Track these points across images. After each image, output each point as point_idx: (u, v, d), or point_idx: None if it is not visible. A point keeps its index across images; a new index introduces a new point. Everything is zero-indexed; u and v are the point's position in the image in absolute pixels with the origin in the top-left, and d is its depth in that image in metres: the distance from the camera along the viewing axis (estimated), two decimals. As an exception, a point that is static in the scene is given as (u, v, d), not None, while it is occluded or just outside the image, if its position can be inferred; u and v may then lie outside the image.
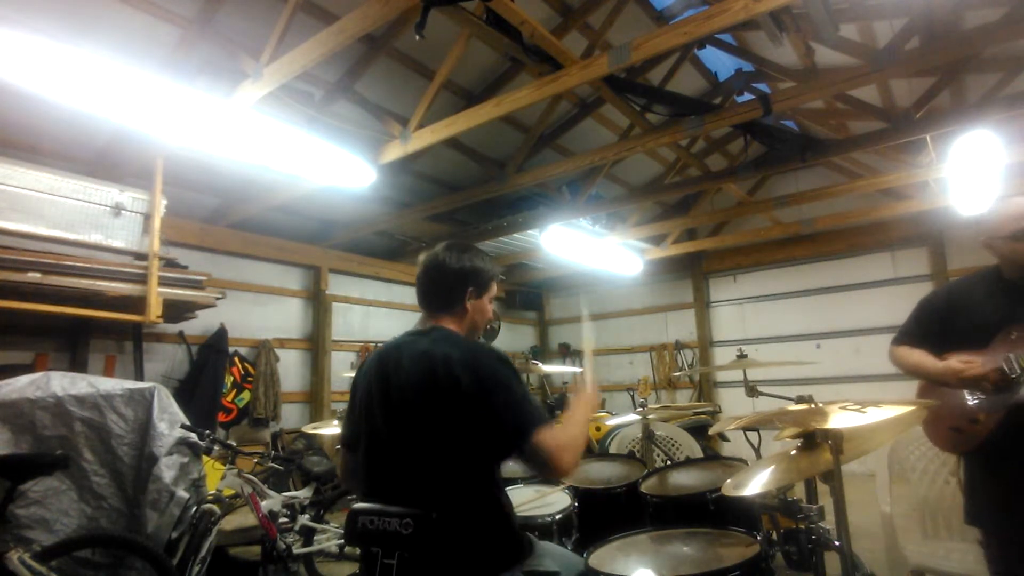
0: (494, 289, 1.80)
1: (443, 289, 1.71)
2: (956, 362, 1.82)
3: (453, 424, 1.48)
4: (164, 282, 4.34)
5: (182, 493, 3.09)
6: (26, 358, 4.39)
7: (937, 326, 2.01)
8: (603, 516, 2.59)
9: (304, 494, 3.80)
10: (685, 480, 2.56)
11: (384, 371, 1.61)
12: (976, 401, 1.87)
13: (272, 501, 3.55)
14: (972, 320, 1.92)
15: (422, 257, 1.76)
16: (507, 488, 1.65)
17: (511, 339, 9.40)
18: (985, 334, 1.86)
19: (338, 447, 1.82)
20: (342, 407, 6.42)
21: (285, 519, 3.63)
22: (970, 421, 1.87)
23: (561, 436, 1.46)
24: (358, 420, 1.67)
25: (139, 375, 4.78)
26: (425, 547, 1.41)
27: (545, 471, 1.46)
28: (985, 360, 1.80)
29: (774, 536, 2.79)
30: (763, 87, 6.09)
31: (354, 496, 1.86)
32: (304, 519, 3.69)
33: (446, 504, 1.44)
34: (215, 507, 3.18)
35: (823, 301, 7.71)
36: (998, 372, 1.78)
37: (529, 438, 1.42)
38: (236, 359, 5.71)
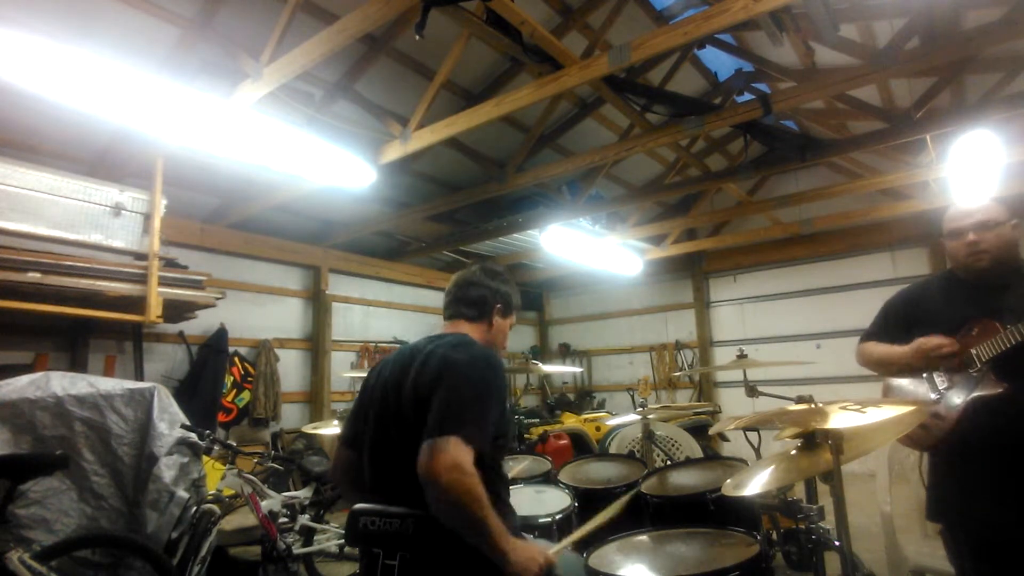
0: (514, 317, 1.92)
1: (475, 299, 1.81)
2: (922, 340, 1.86)
3: None
4: (164, 282, 4.33)
5: (182, 493, 3.09)
6: (26, 358, 4.39)
7: (901, 326, 2.05)
8: (603, 516, 2.59)
9: (304, 494, 3.80)
10: (685, 480, 2.56)
11: (398, 373, 1.64)
12: (939, 397, 1.90)
13: (272, 501, 3.55)
14: (933, 319, 1.96)
15: (459, 272, 1.89)
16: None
17: (511, 339, 9.33)
18: (946, 332, 1.89)
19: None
20: (342, 407, 6.43)
21: (285, 519, 3.63)
22: (933, 417, 1.89)
23: (473, 474, 1.32)
24: (365, 420, 1.69)
25: (139, 375, 4.78)
26: (427, 548, 1.41)
27: (422, 471, 1.34)
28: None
29: (774, 536, 2.80)
30: (763, 87, 6.10)
31: (344, 500, 1.86)
32: (304, 519, 3.69)
33: None
34: (215, 507, 3.18)
35: (823, 301, 7.71)
36: (966, 354, 1.83)
37: (441, 434, 1.36)
38: (236, 359, 5.71)
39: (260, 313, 6.12)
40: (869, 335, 2.15)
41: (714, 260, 8.63)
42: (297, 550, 3.53)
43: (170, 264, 4.57)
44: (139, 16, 3.76)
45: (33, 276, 3.69)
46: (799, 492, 2.65)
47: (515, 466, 3.20)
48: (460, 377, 1.49)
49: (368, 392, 1.73)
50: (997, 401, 1.76)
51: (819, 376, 6.70)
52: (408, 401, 1.56)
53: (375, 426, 1.64)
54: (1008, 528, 1.72)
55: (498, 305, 1.82)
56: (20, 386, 2.97)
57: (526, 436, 5.37)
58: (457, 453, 1.34)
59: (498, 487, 1.59)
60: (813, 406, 1.66)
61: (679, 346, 8.82)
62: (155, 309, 4.18)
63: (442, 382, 1.49)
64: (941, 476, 1.95)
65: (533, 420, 6.13)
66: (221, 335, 5.49)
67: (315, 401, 6.41)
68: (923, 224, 6.72)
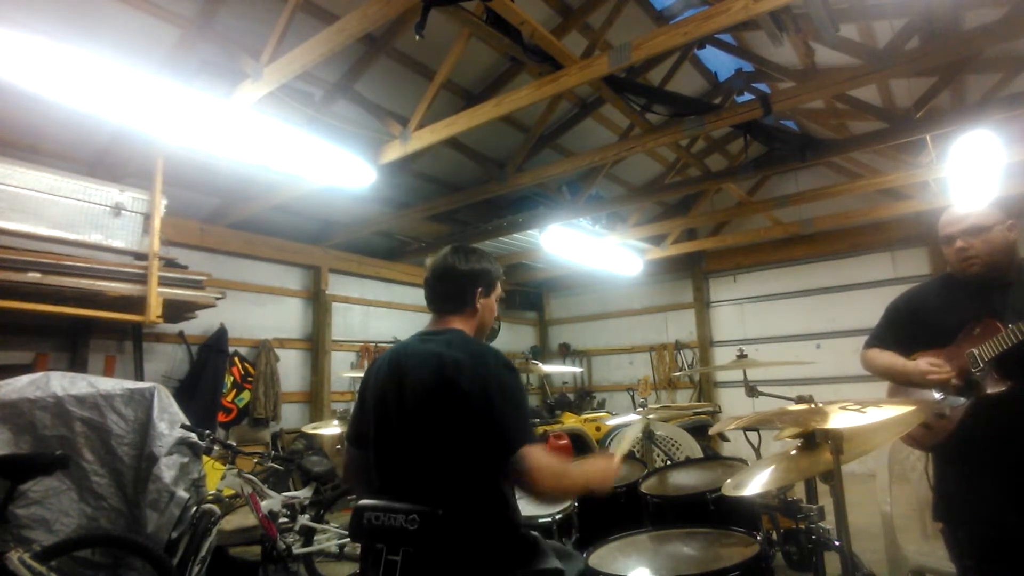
0: (499, 288, 1.86)
1: (454, 290, 1.76)
2: (924, 364, 1.88)
3: (459, 427, 1.50)
4: (164, 282, 4.33)
5: (182, 493, 3.09)
6: (26, 358, 4.38)
7: (905, 329, 2.07)
8: (603, 516, 2.59)
9: (304, 494, 3.80)
10: (685, 480, 2.56)
11: (397, 371, 1.64)
12: (943, 396, 1.91)
13: (272, 501, 3.55)
14: (936, 320, 1.98)
15: (429, 261, 1.81)
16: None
17: (511, 339, 9.41)
18: (949, 333, 1.92)
19: (338, 447, 1.83)
20: (342, 407, 6.43)
21: (285, 519, 3.63)
22: (937, 416, 1.90)
23: (551, 462, 1.51)
24: (368, 418, 1.69)
25: (139, 375, 4.77)
26: (430, 543, 1.42)
27: (522, 485, 1.50)
28: (950, 360, 1.87)
29: (774, 536, 2.79)
30: (763, 87, 6.09)
31: (354, 496, 1.86)
32: (304, 519, 3.69)
33: (453, 501, 1.46)
34: (215, 507, 3.18)
35: (823, 301, 7.71)
36: (963, 372, 1.84)
37: (517, 449, 1.47)
38: (236, 359, 5.71)
39: (260, 313, 6.12)
40: (873, 339, 2.17)
41: (714, 260, 8.62)
42: (297, 550, 3.53)
43: (170, 264, 4.57)
44: (139, 16, 3.76)
45: (33, 276, 3.69)
46: (799, 492, 2.64)
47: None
48: (497, 390, 1.52)
49: (367, 392, 1.73)
50: (1000, 400, 1.78)
51: (819, 376, 6.70)
52: (410, 401, 1.57)
53: (377, 426, 1.65)
54: (1012, 527, 1.72)
55: (479, 288, 1.76)
56: (20, 386, 2.97)
57: (526, 436, 5.36)
58: (535, 459, 1.47)
59: (508, 493, 1.59)
60: (813, 406, 1.66)
61: (679, 346, 8.82)
62: (155, 309, 4.18)
63: (482, 397, 1.51)
64: (945, 475, 1.96)
65: (533, 420, 6.13)
66: (221, 335, 5.49)
67: (315, 401, 6.41)
68: (923, 224, 6.72)
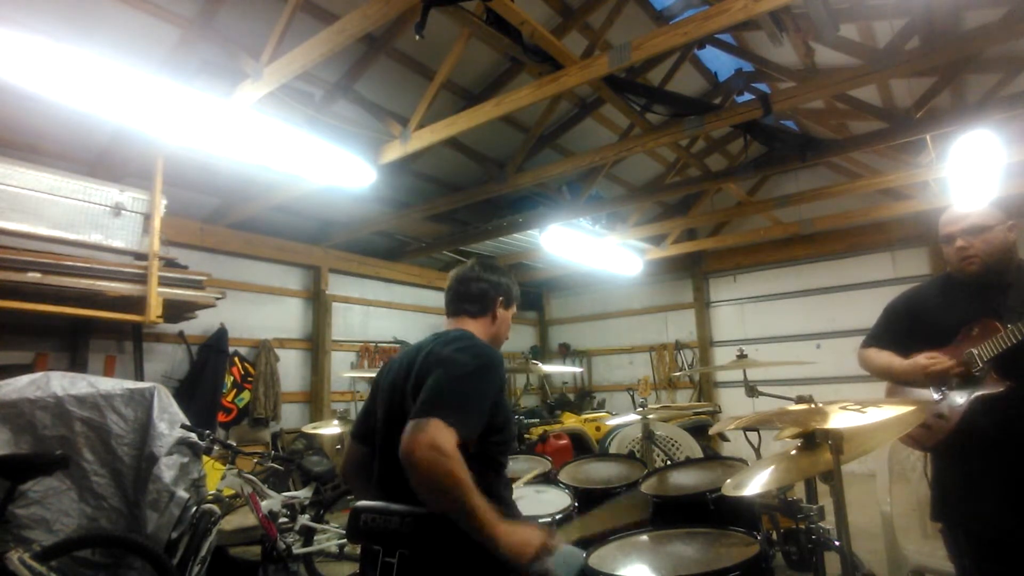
0: (515, 308, 1.93)
1: (476, 294, 1.81)
2: (923, 358, 1.88)
3: None
4: (164, 282, 4.33)
5: (182, 493, 3.09)
6: (26, 358, 4.38)
7: (904, 329, 2.07)
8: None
9: (304, 494, 3.80)
10: (685, 480, 2.55)
11: (403, 372, 1.66)
12: (941, 396, 1.91)
13: (272, 501, 3.55)
14: (935, 320, 1.98)
15: (455, 270, 1.89)
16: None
17: (511, 339, 9.30)
18: (948, 333, 1.92)
19: (338, 447, 1.83)
20: (342, 407, 6.44)
21: (285, 519, 3.63)
22: (936, 416, 1.90)
23: (448, 455, 1.28)
24: (375, 417, 1.70)
25: (139, 375, 4.77)
26: (426, 546, 1.42)
27: (401, 452, 1.32)
28: (950, 355, 1.87)
29: (774, 536, 2.80)
30: (763, 87, 6.10)
31: (354, 495, 1.87)
32: (304, 519, 3.69)
33: None
34: (215, 507, 3.18)
35: (823, 301, 7.71)
36: (962, 366, 1.84)
37: (423, 416, 1.35)
38: (236, 359, 5.71)
39: (260, 313, 6.12)
40: (871, 339, 2.17)
41: (714, 260, 8.63)
42: (297, 550, 3.53)
43: (170, 264, 4.57)
44: (139, 16, 3.76)
45: (33, 276, 3.69)
46: (799, 492, 2.64)
47: (515, 466, 3.20)
48: (449, 366, 1.50)
49: (377, 390, 1.75)
50: (999, 399, 1.78)
51: (819, 376, 6.70)
52: (411, 399, 1.57)
53: (384, 424, 1.66)
54: (1010, 527, 1.73)
55: (500, 298, 1.84)
56: (20, 386, 2.97)
57: (526, 436, 5.37)
58: (436, 433, 1.30)
59: (497, 486, 1.59)
60: (813, 406, 1.66)
61: (679, 346, 8.82)
62: (155, 309, 4.18)
63: (432, 372, 1.50)
64: (943, 475, 1.96)
65: (533, 420, 6.13)
66: (221, 335, 5.49)
67: (315, 401, 6.41)
68: (923, 224, 6.72)
